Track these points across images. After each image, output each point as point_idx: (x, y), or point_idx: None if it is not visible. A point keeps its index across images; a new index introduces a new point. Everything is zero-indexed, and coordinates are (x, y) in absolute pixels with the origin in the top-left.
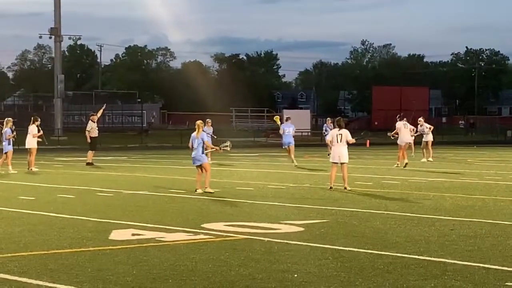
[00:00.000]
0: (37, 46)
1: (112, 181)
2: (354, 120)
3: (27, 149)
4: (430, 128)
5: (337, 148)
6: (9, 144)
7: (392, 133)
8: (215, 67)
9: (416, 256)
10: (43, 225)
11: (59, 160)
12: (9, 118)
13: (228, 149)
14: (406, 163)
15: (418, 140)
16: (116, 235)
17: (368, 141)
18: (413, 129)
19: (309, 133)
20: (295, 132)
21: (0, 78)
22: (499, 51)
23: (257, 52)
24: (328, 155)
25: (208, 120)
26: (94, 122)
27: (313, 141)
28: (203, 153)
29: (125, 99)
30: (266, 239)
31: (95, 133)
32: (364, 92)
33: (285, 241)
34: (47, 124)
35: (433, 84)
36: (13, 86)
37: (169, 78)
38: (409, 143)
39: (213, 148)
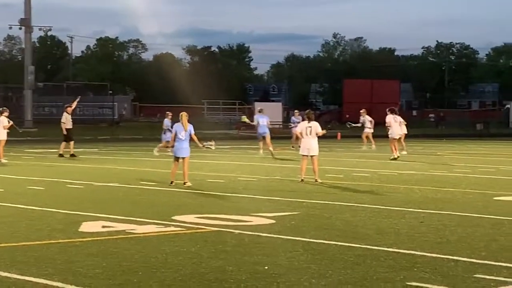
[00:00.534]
0: (7, 37)
1: (83, 173)
2: (326, 112)
3: None
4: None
5: (306, 141)
6: None
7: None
8: (187, 59)
9: (386, 248)
10: (12, 217)
11: (29, 152)
12: None
13: (212, 148)
14: (397, 157)
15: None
16: (86, 227)
17: (338, 134)
18: (402, 122)
19: (281, 126)
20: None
21: None
22: (469, 45)
23: (229, 45)
24: (292, 147)
25: (168, 112)
26: (69, 114)
27: (285, 133)
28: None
29: (96, 91)
30: (237, 231)
31: (69, 124)
32: (336, 85)
33: (256, 233)
34: (17, 115)
35: (404, 77)
36: None
37: (140, 70)
38: (400, 136)
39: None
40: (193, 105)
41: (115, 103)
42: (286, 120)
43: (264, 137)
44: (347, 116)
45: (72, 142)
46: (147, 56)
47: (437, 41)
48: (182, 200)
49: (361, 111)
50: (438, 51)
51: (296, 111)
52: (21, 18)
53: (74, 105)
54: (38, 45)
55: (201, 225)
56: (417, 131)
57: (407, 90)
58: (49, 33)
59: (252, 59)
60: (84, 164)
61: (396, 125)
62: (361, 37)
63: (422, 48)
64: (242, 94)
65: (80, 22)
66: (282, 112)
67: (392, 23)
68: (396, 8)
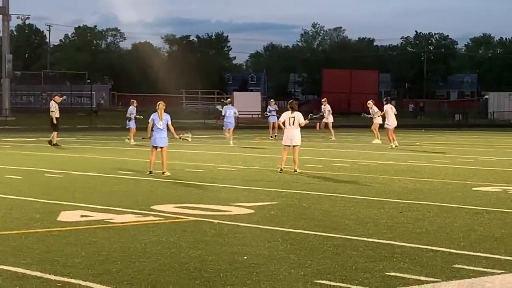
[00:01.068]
0: None
1: (61, 162)
2: (304, 102)
3: None
4: (377, 112)
5: (289, 131)
6: None
7: (380, 114)
8: (165, 49)
9: (365, 238)
10: None
11: (6, 140)
12: None
13: (189, 140)
14: (395, 146)
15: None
16: (65, 216)
17: (318, 124)
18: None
19: (259, 115)
20: (244, 114)
21: None
22: (448, 36)
23: (207, 34)
24: (270, 137)
25: (133, 100)
26: (56, 102)
27: (264, 123)
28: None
29: (74, 80)
30: (216, 221)
31: (57, 113)
32: (315, 75)
33: (235, 223)
34: None
35: (383, 67)
36: None
37: (119, 59)
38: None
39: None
40: (172, 94)
41: (93, 92)
42: (265, 110)
43: (229, 129)
44: None
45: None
46: (126, 45)
47: (416, 31)
48: (161, 190)
49: (368, 102)
50: (417, 41)
51: (272, 100)
52: None
53: (60, 100)
54: (16, 33)
55: (180, 214)
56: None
57: (386, 80)
58: (27, 22)
59: (230, 49)
60: (62, 153)
61: (392, 114)
62: (340, 27)
63: (401, 38)
64: (220, 84)
65: (58, 11)
66: (260, 102)
67: (372, 13)
68: None
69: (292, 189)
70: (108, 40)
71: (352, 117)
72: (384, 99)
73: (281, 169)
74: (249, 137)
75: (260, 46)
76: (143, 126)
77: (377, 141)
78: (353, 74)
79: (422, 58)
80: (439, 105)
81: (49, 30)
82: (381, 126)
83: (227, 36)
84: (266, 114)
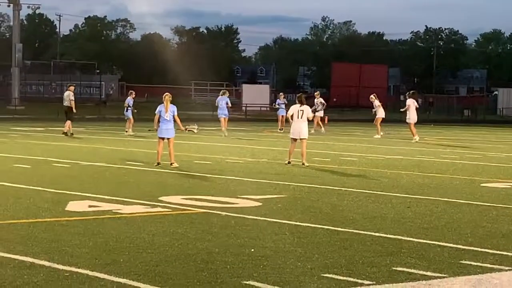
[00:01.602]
0: None
1: (69, 152)
2: (312, 96)
3: None
4: (379, 106)
5: (297, 124)
6: None
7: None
8: (175, 40)
9: (372, 233)
10: None
11: (16, 129)
12: None
13: (195, 131)
14: (418, 140)
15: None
16: (73, 206)
17: (326, 118)
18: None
19: (268, 108)
20: (252, 106)
21: None
22: (458, 31)
23: (217, 26)
24: (279, 129)
25: (131, 91)
26: (72, 92)
27: (272, 116)
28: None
29: (83, 70)
30: (224, 213)
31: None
32: (324, 69)
33: (243, 216)
34: (4, 93)
35: (392, 62)
36: None
37: (128, 50)
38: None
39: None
40: (181, 86)
41: (102, 83)
42: (273, 103)
43: (223, 119)
44: (335, 99)
45: (69, 122)
46: (135, 36)
47: (426, 26)
48: (168, 181)
49: (371, 96)
50: (427, 36)
51: (281, 93)
52: None
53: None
54: (26, 23)
55: (187, 206)
56: (404, 116)
57: (395, 75)
58: (37, 11)
59: (240, 41)
60: (70, 143)
61: (415, 109)
62: (350, 21)
63: (411, 33)
64: (229, 76)
65: (69, 1)
66: (269, 94)
67: (382, 7)
68: None
69: (300, 183)
70: (118, 31)
71: (360, 111)
72: (407, 93)
73: (289, 162)
74: (257, 129)
75: (270, 39)
76: (139, 117)
77: (377, 136)
78: (362, 68)
79: (432, 53)
80: (448, 100)
81: (59, 20)
82: (383, 120)
83: (237, 28)
84: (274, 106)
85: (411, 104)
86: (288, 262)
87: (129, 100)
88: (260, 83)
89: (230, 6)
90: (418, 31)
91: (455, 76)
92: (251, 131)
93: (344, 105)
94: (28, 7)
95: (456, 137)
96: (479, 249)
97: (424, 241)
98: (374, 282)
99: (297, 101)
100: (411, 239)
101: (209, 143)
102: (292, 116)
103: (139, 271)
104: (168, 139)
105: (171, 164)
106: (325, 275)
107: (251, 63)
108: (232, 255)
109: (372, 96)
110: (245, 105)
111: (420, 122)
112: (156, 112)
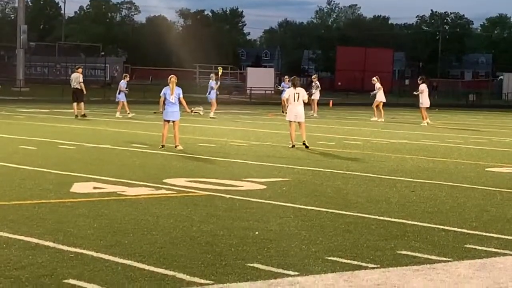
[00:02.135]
0: None
1: (74, 134)
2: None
3: None
4: (380, 88)
5: (293, 107)
6: None
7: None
8: (180, 23)
9: (377, 217)
10: (3, 176)
11: (21, 111)
12: None
13: (200, 113)
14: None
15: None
16: (77, 188)
17: (331, 101)
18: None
19: (273, 92)
20: (257, 90)
21: None
22: (463, 15)
23: (222, 9)
24: (282, 112)
25: (126, 74)
26: (81, 74)
27: (277, 99)
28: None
29: (88, 52)
30: (228, 196)
31: (79, 85)
32: (329, 52)
33: (247, 199)
34: (9, 75)
35: (397, 46)
36: None
37: (133, 32)
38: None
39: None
40: (186, 68)
41: (107, 65)
42: (276, 84)
43: (211, 101)
44: (339, 83)
45: (76, 104)
46: (140, 18)
47: (431, 10)
48: (173, 164)
49: (373, 78)
50: (432, 20)
51: (286, 76)
52: None
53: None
54: (31, 4)
55: (192, 188)
56: (409, 100)
57: (400, 59)
58: None
59: (245, 24)
60: (75, 125)
61: (427, 94)
62: (355, 4)
63: (416, 17)
64: (234, 59)
65: None
66: (274, 78)
67: None
68: None
69: (304, 166)
70: (123, 13)
71: (365, 95)
72: (420, 78)
73: (293, 145)
74: (262, 113)
75: (275, 22)
76: (131, 100)
77: (374, 118)
78: (367, 52)
79: (437, 38)
80: (453, 85)
81: (64, 2)
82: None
83: (242, 11)
84: (277, 86)
85: (425, 89)
86: (292, 245)
87: (123, 83)
88: (265, 66)
89: None
90: (424, 15)
91: (461, 60)
92: (256, 114)
93: (349, 89)
94: None
95: (461, 121)
96: (483, 233)
97: (429, 225)
98: (379, 266)
99: (291, 84)
100: (415, 223)
101: (214, 126)
102: (287, 99)
103: (144, 252)
104: (173, 121)
105: (175, 146)
106: (329, 258)
107: (256, 47)
108: (237, 238)
109: (374, 78)
110: (249, 88)
111: None
112: (161, 95)
